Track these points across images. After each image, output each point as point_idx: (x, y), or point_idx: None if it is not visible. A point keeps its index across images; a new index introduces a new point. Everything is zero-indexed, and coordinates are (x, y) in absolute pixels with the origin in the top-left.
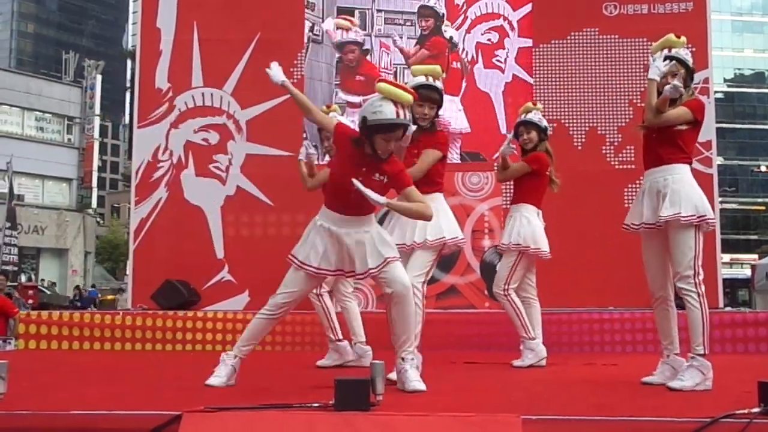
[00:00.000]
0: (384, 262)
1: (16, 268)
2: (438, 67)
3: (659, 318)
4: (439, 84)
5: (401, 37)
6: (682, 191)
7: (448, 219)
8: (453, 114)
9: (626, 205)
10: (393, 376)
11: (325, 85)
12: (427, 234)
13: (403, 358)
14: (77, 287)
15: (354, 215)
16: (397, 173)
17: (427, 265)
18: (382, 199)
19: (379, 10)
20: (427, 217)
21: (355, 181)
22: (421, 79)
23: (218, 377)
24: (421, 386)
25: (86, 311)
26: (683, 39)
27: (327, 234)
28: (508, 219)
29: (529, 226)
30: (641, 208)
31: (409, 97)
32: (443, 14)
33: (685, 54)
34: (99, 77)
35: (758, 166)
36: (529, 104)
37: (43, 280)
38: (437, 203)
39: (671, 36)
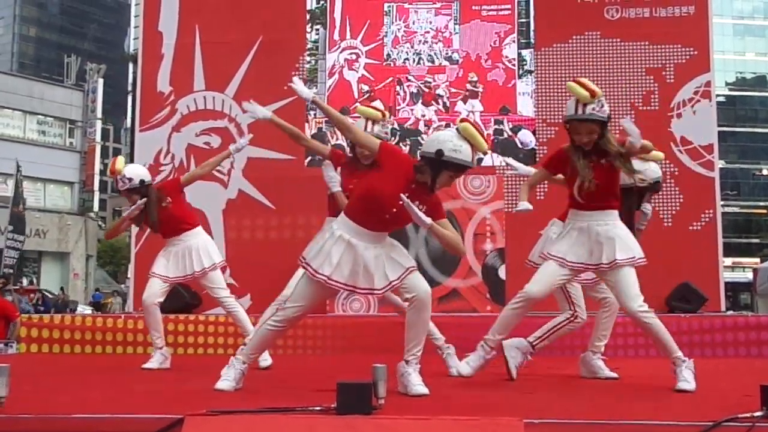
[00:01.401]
0: (406, 271)
1: (11, 272)
2: None
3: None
4: None
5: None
6: (627, 237)
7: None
8: None
9: None
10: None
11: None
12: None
13: (407, 361)
14: (39, 291)
15: (379, 231)
16: (437, 204)
17: None
18: (428, 220)
19: None
20: (460, 251)
21: (405, 198)
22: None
23: (227, 381)
24: (424, 390)
25: (88, 315)
26: (600, 92)
27: (345, 245)
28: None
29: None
30: (578, 249)
31: (486, 147)
32: None
33: (600, 109)
34: (101, 81)
35: (760, 170)
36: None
37: (60, 293)
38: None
39: (585, 93)
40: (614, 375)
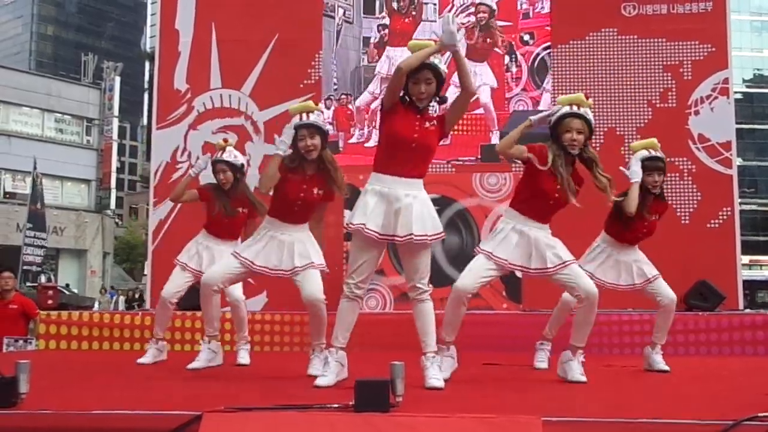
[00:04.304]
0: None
1: (39, 269)
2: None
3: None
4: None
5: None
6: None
7: None
8: None
9: None
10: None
11: (353, 53)
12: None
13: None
14: (57, 288)
15: (409, 177)
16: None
17: None
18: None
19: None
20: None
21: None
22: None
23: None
24: (438, 384)
25: (107, 311)
26: (591, 101)
27: (378, 197)
28: None
29: None
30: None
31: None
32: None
33: (590, 114)
34: (117, 79)
35: None
36: None
37: (67, 284)
38: None
39: (581, 95)
40: (666, 368)
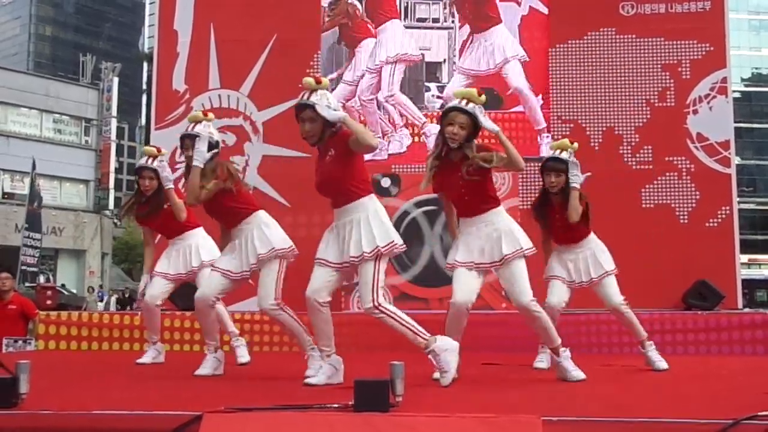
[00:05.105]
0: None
1: (35, 269)
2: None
3: None
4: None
5: None
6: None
7: None
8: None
9: (644, 206)
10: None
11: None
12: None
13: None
14: (56, 288)
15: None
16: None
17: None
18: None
19: None
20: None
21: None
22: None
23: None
24: (438, 377)
25: (106, 312)
26: (484, 98)
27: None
28: None
29: None
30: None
31: (310, 80)
32: None
33: (480, 111)
34: (116, 79)
35: None
36: None
37: (63, 284)
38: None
39: (474, 91)
40: (664, 366)
